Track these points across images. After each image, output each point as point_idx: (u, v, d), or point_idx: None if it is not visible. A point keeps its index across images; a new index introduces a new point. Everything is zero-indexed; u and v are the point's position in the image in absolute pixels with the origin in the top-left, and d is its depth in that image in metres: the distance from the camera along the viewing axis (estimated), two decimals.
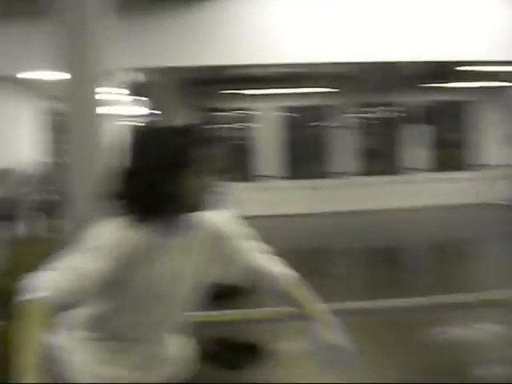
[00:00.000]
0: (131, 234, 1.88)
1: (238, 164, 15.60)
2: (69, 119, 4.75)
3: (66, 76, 4.75)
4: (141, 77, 9.71)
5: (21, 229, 8.92)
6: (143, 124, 2.01)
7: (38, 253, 2.18)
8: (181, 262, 2.02)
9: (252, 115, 16.14)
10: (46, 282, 1.76)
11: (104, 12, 4.83)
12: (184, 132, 1.96)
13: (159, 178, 1.88)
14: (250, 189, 14.64)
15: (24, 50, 6.21)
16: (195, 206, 1.96)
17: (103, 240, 1.87)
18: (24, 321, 1.70)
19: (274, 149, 15.95)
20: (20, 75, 9.03)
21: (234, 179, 14.17)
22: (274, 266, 2.22)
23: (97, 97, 4.69)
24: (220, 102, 14.86)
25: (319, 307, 2.17)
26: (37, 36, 5.91)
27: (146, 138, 1.96)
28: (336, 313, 2.19)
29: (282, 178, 15.74)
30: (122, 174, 1.92)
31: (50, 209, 8.62)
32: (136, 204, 1.90)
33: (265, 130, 16.04)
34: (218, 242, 2.10)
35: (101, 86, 4.74)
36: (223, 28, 6.31)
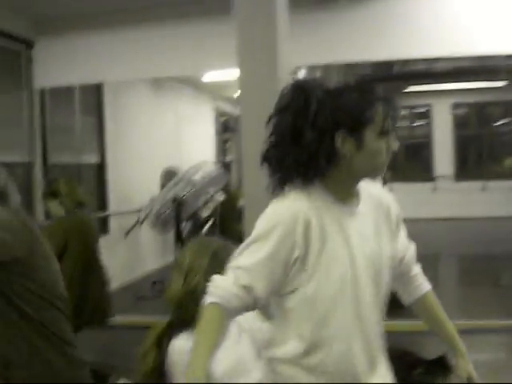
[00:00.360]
0: (306, 205, 1.67)
1: (412, 163, 15.22)
2: (248, 120, 4.70)
3: (247, 76, 4.71)
4: (311, 74, 9.62)
5: (193, 230, 9.16)
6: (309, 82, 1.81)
7: (209, 255, 2.14)
8: (367, 239, 1.75)
9: (423, 112, 15.54)
10: (218, 287, 1.68)
11: (284, 10, 4.76)
12: (364, 88, 1.73)
13: (339, 136, 1.67)
14: (422, 190, 14.15)
15: (204, 51, 6.28)
16: (376, 170, 1.73)
17: (272, 223, 1.68)
18: (199, 326, 1.66)
19: (445, 148, 15.21)
20: (199, 76, 9.33)
21: (407, 179, 13.80)
22: (420, 274, 2.01)
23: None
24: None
25: (455, 334, 1.97)
26: (216, 36, 5.98)
27: (320, 95, 1.71)
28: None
29: (453, 178, 14.99)
30: (291, 138, 1.70)
31: (222, 209, 8.78)
32: (309, 167, 1.67)
33: (437, 127, 15.37)
34: (388, 224, 1.84)
35: (282, 85, 4.65)
36: (401, 21, 5.99)
